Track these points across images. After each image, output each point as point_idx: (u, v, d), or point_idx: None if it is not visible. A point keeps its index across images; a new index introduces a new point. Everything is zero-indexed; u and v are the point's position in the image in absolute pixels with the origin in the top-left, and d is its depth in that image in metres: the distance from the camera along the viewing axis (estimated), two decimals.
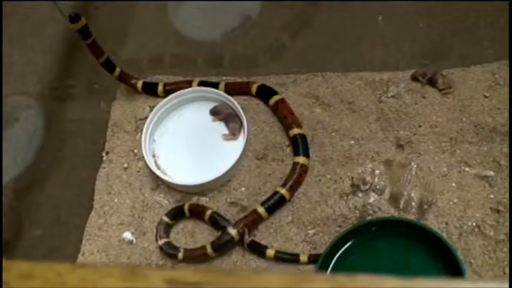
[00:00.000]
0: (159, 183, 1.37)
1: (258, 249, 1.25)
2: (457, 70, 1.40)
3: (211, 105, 1.43)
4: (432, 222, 1.21)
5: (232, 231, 1.24)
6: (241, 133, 1.38)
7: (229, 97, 1.40)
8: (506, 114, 1.31)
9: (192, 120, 1.45)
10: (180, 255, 1.25)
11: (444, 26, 1.47)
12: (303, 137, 1.35)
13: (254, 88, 1.43)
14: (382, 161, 1.31)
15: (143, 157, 1.37)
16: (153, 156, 1.40)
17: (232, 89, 1.45)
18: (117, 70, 1.45)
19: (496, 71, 1.37)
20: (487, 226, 1.20)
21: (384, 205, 1.25)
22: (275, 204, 1.28)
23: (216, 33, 1.50)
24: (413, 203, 1.24)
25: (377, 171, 1.29)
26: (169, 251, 1.27)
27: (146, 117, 1.43)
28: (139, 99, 1.50)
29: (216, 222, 1.28)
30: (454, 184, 1.25)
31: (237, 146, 1.36)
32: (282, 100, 1.40)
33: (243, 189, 1.33)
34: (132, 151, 1.43)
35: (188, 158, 1.39)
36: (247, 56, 1.52)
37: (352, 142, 1.34)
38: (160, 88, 1.48)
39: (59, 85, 1.45)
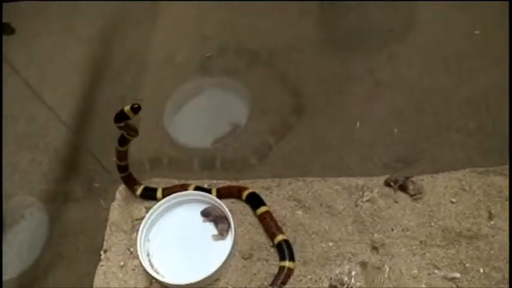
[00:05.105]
0: (152, 281, 1.47)
1: None
2: (426, 177, 1.53)
3: (202, 207, 1.55)
4: None
5: None
6: (229, 234, 1.50)
7: (218, 200, 1.52)
8: (472, 219, 1.43)
9: (184, 220, 1.56)
10: None
11: (417, 132, 1.61)
12: (287, 242, 1.46)
13: (245, 194, 1.56)
14: (358, 262, 1.41)
15: (138, 256, 1.48)
16: (148, 255, 1.51)
17: (223, 194, 1.58)
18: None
19: (462, 178, 1.51)
20: None
21: None
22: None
23: (207, 139, 1.64)
24: None
25: (353, 272, 1.40)
26: None
27: (142, 218, 1.55)
28: (136, 200, 1.63)
29: None
30: (424, 286, 1.35)
31: (225, 246, 1.46)
32: (267, 212, 1.52)
33: None
34: (129, 249, 1.54)
35: (180, 257, 1.50)
36: (236, 161, 1.66)
37: (331, 244, 1.45)
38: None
39: (62, 184, 1.58)
